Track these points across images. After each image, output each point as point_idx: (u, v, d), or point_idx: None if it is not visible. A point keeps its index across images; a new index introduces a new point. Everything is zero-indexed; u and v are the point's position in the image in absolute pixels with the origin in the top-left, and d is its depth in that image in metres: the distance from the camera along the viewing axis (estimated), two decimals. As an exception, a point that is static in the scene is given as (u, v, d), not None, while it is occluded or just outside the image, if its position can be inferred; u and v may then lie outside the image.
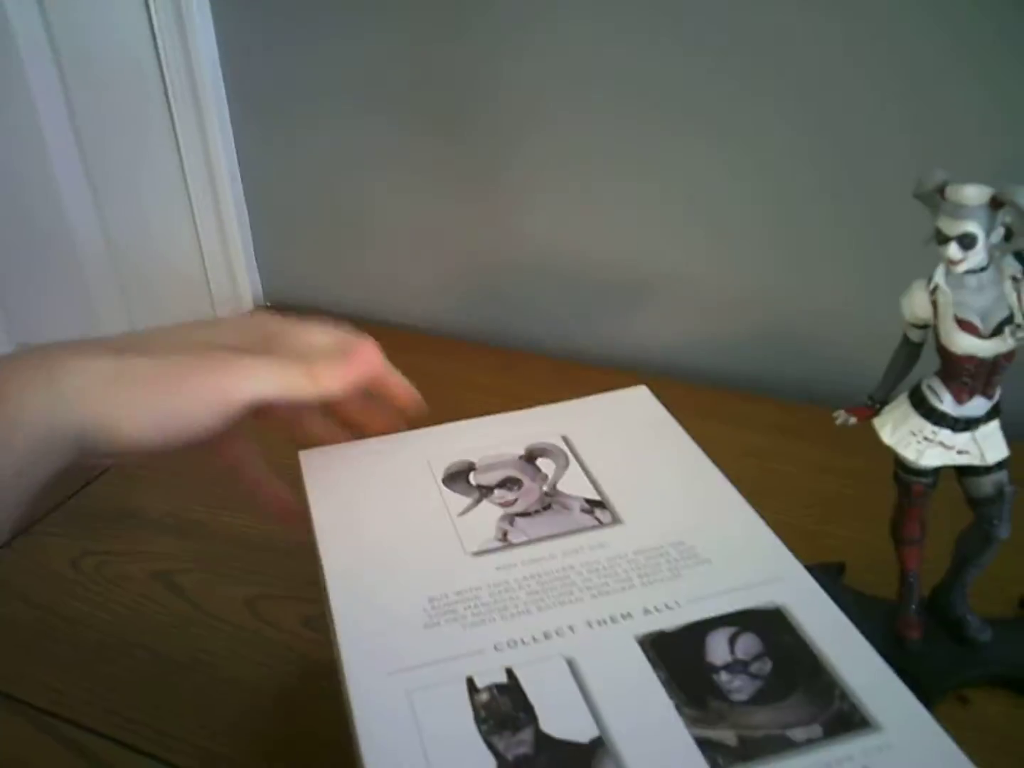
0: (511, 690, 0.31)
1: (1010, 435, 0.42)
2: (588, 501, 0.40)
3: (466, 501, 0.40)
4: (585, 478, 0.41)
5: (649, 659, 0.32)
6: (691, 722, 0.30)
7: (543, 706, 0.31)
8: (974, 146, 0.62)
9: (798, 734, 0.30)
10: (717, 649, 0.32)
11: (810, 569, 0.52)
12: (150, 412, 0.36)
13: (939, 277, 0.39)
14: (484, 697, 0.31)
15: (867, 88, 0.63)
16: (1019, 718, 0.45)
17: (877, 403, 0.44)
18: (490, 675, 0.32)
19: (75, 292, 1.05)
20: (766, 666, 0.32)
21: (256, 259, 0.91)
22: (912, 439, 0.42)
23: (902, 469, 0.44)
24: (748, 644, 0.33)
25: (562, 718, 0.30)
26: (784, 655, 0.32)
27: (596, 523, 0.38)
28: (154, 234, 0.96)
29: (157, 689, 0.49)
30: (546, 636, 0.33)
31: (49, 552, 0.59)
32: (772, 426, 0.67)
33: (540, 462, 0.42)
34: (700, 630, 0.33)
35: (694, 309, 0.75)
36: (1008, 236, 0.37)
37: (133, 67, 0.87)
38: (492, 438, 0.44)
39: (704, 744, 0.29)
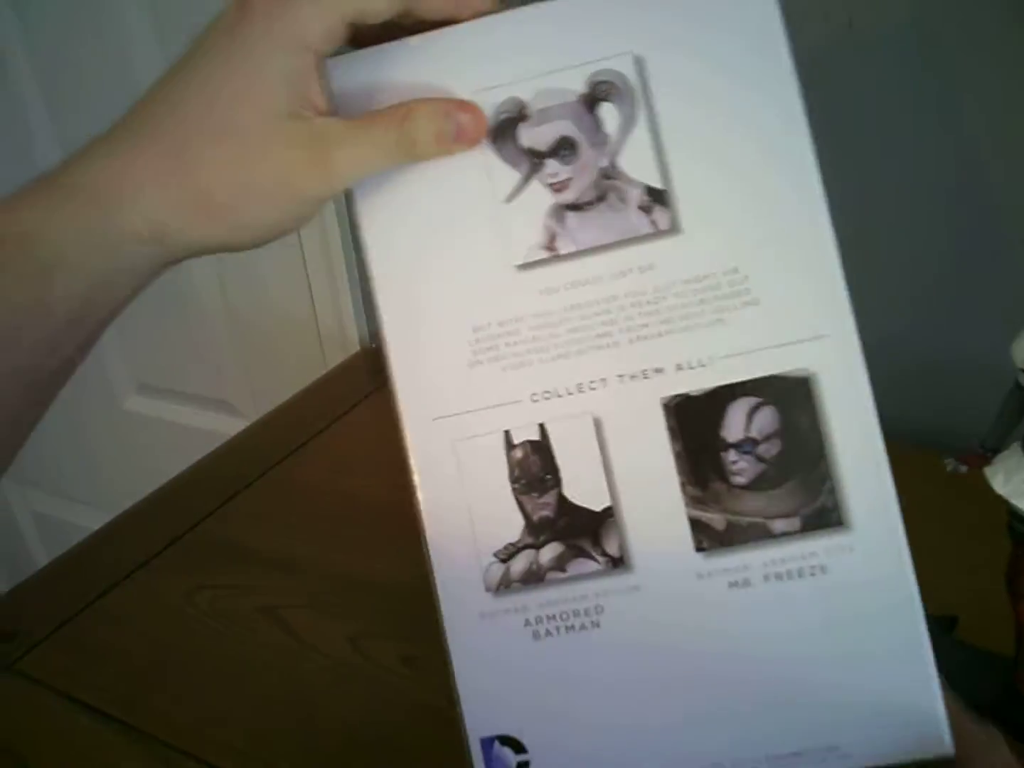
0: (542, 449, 0.33)
1: None
2: (649, 191, 0.33)
3: (514, 178, 0.33)
4: (651, 150, 0.33)
5: (668, 428, 0.33)
6: (690, 501, 0.33)
7: (568, 469, 0.33)
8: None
9: (778, 525, 0.33)
10: (734, 423, 0.33)
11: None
12: (230, 231, 0.32)
13: (1053, 321, 0.38)
14: (518, 454, 0.33)
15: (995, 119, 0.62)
16: None
17: (989, 451, 0.42)
18: (525, 430, 0.33)
19: (193, 338, 1.10)
20: (774, 448, 0.33)
21: (363, 301, 0.94)
22: (1027, 489, 0.40)
23: (1017, 520, 0.42)
24: (765, 421, 0.33)
25: (582, 484, 0.33)
26: (795, 437, 0.33)
27: (652, 229, 0.33)
28: (264, 276, 1.00)
29: (262, 722, 0.50)
30: (579, 389, 0.33)
31: (165, 586, 0.61)
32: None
33: (603, 111, 0.33)
34: (723, 397, 0.33)
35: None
36: None
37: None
38: (549, 50, 0.33)
39: (696, 524, 0.33)
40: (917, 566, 0.56)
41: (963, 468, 0.43)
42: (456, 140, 0.32)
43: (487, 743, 0.34)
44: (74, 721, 0.51)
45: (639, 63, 0.33)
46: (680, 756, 0.33)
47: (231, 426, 1.08)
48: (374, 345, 0.95)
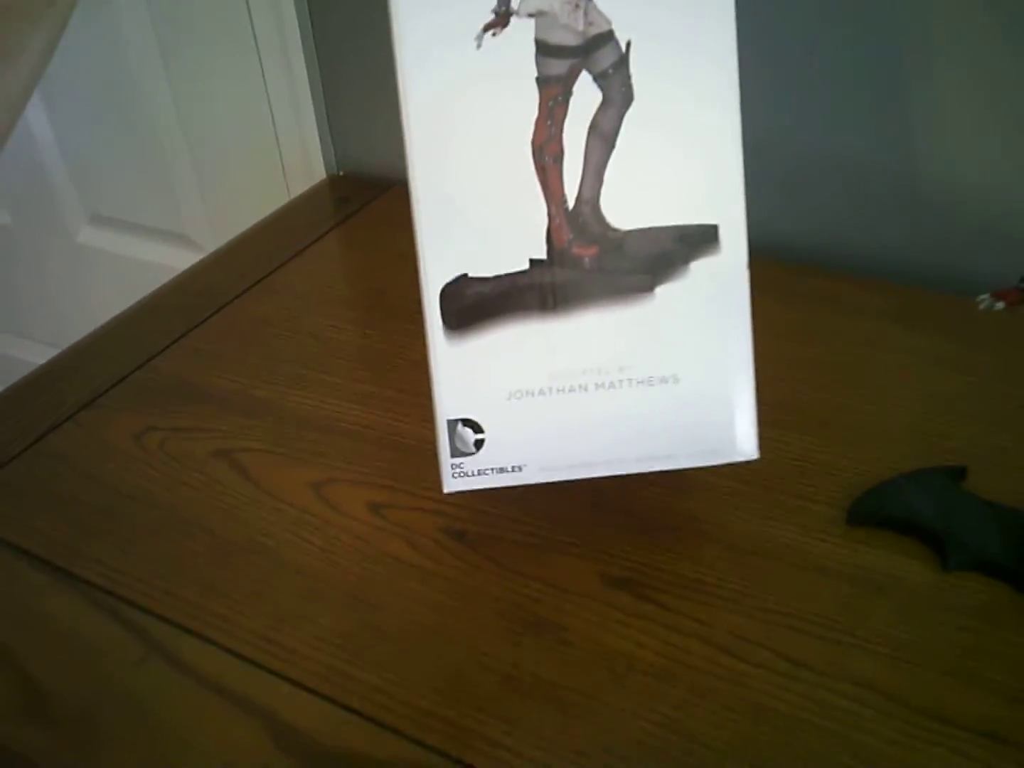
0: None
1: None
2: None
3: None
4: None
5: None
6: None
7: None
8: None
9: None
10: None
11: (927, 472, 0.47)
12: None
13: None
14: None
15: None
16: None
17: (1030, 286, 0.37)
18: None
19: (150, 163, 1.02)
20: None
21: (329, 127, 0.86)
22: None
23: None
24: None
25: None
26: None
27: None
28: (224, 100, 0.92)
29: (217, 572, 0.46)
30: None
31: (112, 427, 0.56)
32: (887, 313, 0.60)
33: None
34: None
35: (782, 175, 0.68)
36: None
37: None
38: None
39: None
40: (928, 414, 0.52)
41: (999, 305, 0.38)
42: None
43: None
44: (13, 567, 0.48)
45: None
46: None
47: (189, 260, 1.02)
48: (341, 172, 0.87)
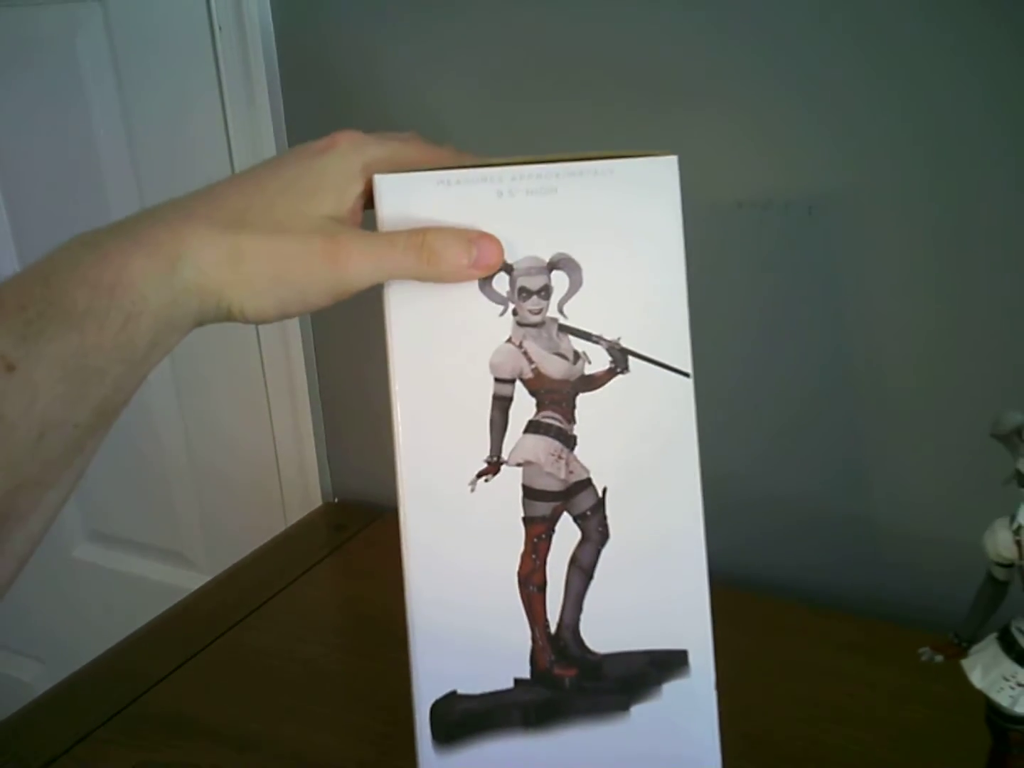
0: None
1: None
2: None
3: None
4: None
5: None
6: None
7: None
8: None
9: None
10: None
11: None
12: (269, 297, 0.37)
13: (1022, 517, 0.38)
14: None
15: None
16: None
17: (964, 641, 0.42)
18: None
19: (153, 485, 1.08)
20: None
21: (328, 458, 0.93)
22: (1005, 684, 0.39)
23: (995, 715, 0.41)
24: None
25: None
26: None
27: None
28: (230, 426, 0.99)
29: None
30: None
31: (106, 762, 0.57)
32: (848, 644, 0.64)
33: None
34: None
35: (760, 513, 0.74)
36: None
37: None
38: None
39: None
40: (893, 748, 0.55)
41: (938, 658, 0.42)
42: (473, 266, 0.38)
43: None
44: None
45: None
46: None
47: (183, 577, 1.05)
48: (336, 499, 0.93)
